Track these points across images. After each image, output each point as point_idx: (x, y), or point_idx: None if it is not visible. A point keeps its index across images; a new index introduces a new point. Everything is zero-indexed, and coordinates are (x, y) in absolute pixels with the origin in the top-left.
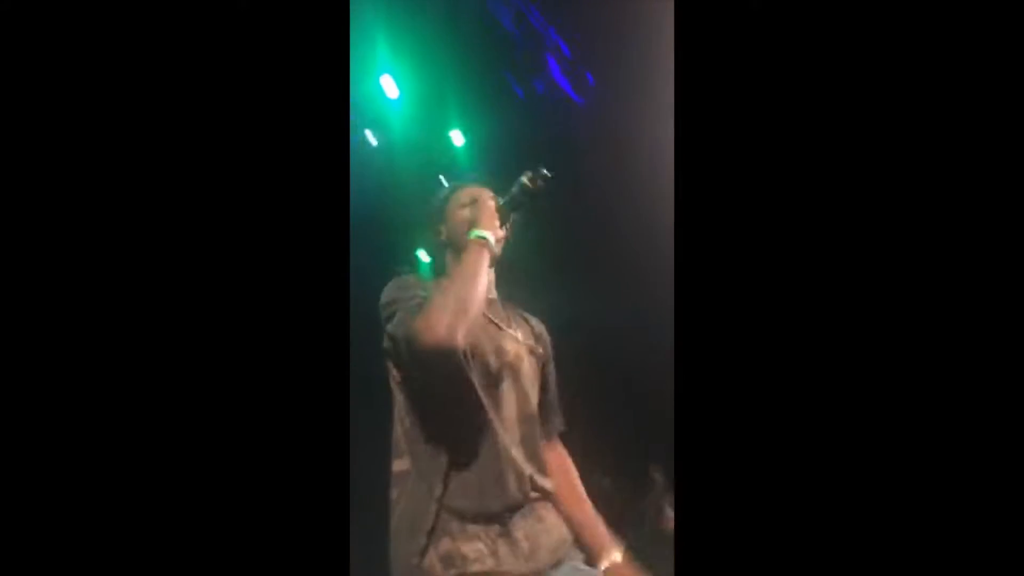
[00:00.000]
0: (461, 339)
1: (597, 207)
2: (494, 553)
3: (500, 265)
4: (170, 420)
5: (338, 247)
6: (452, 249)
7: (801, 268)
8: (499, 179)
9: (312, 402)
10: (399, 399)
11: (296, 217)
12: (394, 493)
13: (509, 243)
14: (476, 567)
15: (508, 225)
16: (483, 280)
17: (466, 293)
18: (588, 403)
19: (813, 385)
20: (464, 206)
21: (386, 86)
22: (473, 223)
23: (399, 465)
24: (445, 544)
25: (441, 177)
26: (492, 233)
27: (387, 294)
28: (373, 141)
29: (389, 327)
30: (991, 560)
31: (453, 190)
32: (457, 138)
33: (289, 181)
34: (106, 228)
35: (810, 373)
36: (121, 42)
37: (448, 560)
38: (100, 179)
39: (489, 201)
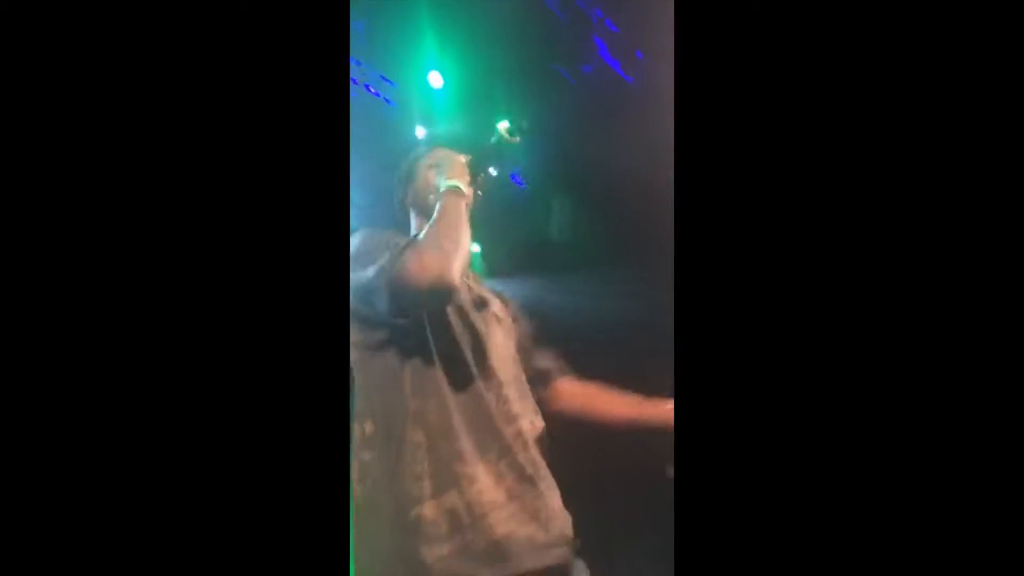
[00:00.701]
0: (457, 278)
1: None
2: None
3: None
4: (169, 420)
5: (338, 241)
6: (416, 209)
7: (804, 269)
8: (549, 165)
9: (312, 402)
10: (365, 366)
11: (296, 217)
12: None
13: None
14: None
15: (480, 178)
16: (467, 225)
17: (455, 236)
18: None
19: (814, 386)
20: (431, 167)
21: (432, 79)
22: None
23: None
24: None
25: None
26: (463, 183)
27: (358, 245)
28: (420, 134)
29: (365, 276)
30: (991, 560)
31: (423, 152)
32: (503, 126)
33: (289, 182)
34: (107, 228)
35: (812, 374)
36: (120, 42)
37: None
38: (100, 178)
39: (459, 158)
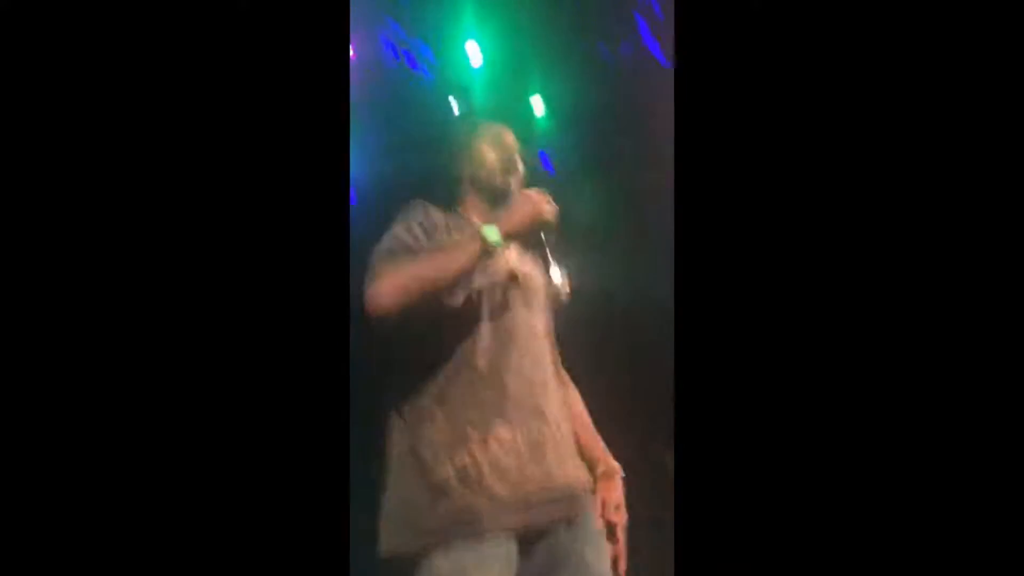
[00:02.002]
0: (397, 315)
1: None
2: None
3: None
4: (169, 419)
5: (338, 238)
6: (476, 185)
7: (802, 268)
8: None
9: (312, 401)
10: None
11: (296, 214)
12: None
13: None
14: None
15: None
16: (455, 267)
17: (430, 273)
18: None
19: (814, 381)
20: (488, 146)
21: (470, 53)
22: (504, 162)
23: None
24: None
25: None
26: (502, 236)
27: (397, 226)
28: (456, 109)
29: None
30: (991, 559)
31: (473, 126)
32: (537, 105)
33: (290, 180)
34: (109, 228)
35: (811, 369)
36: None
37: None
38: (102, 178)
39: (508, 138)
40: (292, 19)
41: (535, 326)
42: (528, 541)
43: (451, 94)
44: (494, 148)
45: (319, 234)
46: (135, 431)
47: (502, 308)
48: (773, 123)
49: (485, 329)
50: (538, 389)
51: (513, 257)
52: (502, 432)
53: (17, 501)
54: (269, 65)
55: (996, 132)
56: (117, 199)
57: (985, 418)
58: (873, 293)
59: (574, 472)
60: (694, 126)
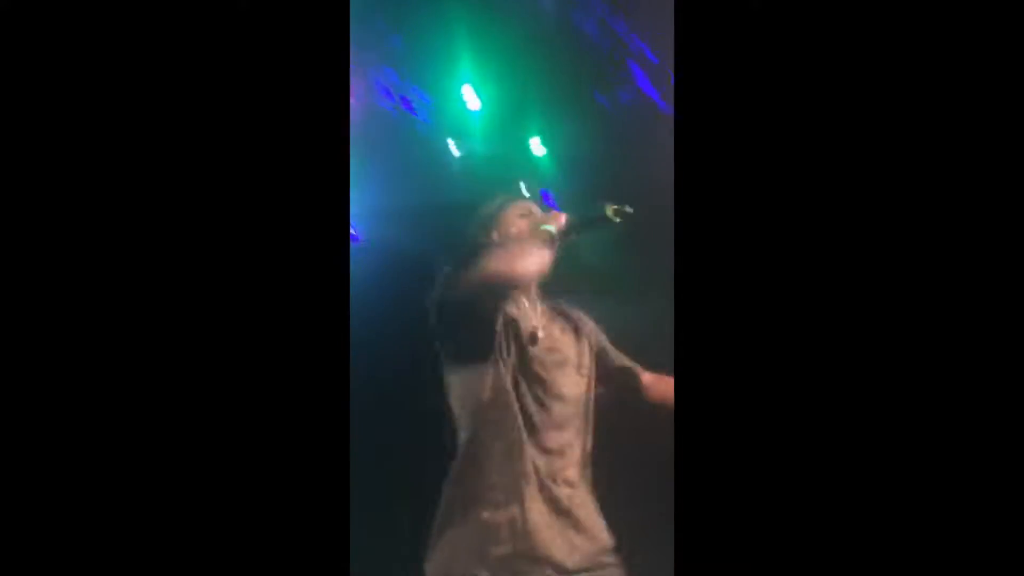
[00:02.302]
0: (492, 308)
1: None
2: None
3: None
4: (171, 420)
5: (338, 245)
6: (502, 249)
7: (801, 304)
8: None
9: (312, 403)
10: (452, 371)
11: (296, 222)
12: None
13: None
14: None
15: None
16: (529, 262)
17: (511, 268)
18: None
19: (812, 384)
20: (521, 216)
21: (467, 97)
22: (532, 228)
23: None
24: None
25: (521, 184)
26: (555, 228)
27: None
28: (456, 152)
29: (436, 293)
30: (991, 559)
31: (506, 202)
32: (537, 148)
33: (289, 183)
34: (111, 229)
35: (809, 373)
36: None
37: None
38: (102, 178)
39: (560, 216)
40: (292, 65)
41: (568, 391)
42: None
43: (449, 138)
44: (526, 218)
45: (321, 272)
46: (134, 438)
47: (535, 376)
48: (773, 166)
49: (519, 394)
50: (564, 452)
51: (541, 325)
52: (528, 492)
53: (18, 501)
54: (272, 113)
55: (996, 133)
56: (113, 208)
57: (984, 418)
58: (870, 339)
59: (596, 535)
60: (694, 170)
